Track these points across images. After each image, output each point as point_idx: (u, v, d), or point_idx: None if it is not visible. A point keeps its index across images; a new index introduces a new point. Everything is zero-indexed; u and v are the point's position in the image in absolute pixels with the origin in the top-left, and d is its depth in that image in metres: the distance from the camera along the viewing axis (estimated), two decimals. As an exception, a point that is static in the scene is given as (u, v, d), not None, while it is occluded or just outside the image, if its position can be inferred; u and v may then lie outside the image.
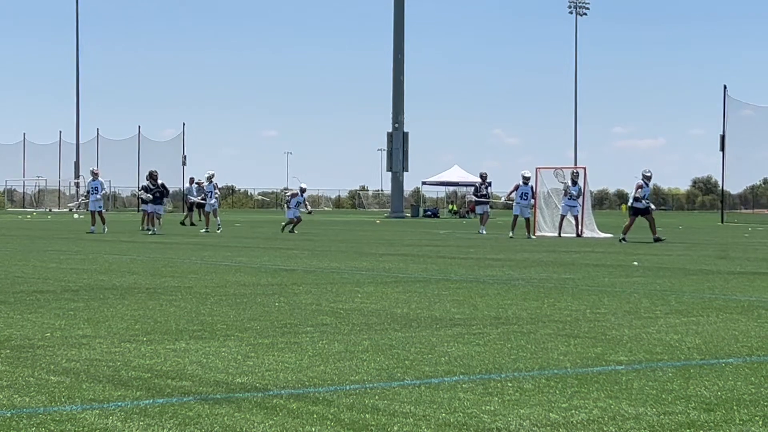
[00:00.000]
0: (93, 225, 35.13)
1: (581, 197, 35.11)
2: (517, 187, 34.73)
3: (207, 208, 37.82)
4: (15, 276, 15.51)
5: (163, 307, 11.40)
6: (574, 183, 34.95)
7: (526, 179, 34.15)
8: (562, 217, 35.33)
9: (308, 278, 15.62)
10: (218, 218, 37.46)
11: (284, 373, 7.22)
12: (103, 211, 36.39)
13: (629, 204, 31.42)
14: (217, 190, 38.23)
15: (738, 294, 13.54)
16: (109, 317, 10.39)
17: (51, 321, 10.06)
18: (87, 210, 39.70)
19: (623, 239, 29.56)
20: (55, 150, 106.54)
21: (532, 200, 34.36)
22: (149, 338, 8.90)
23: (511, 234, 32.97)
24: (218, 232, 35.37)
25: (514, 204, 34.50)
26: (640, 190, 30.33)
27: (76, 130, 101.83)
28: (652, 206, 30.77)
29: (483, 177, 39.42)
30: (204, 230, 36.34)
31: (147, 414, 5.92)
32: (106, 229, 34.80)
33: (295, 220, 37.09)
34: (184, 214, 46.75)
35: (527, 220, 33.77)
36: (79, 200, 46.72)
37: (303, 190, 38.19)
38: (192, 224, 43.58)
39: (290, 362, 7.67)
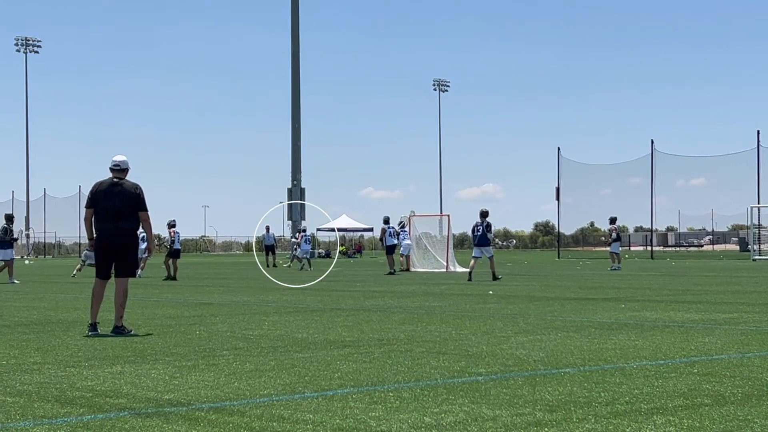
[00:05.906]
0: (10, 276, 26.99)
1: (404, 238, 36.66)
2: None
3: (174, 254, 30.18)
4: (-26, 313, 15.01)
5: (101, 337, 11.15)
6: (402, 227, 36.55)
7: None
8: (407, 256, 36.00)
9: (223, 310, 15.43)
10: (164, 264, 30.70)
11: (204, 390, 7.11)
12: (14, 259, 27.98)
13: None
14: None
15: (573, 316, 13.75)
16: (56, 346, 10.13)
17: (6, 350, 9.77)
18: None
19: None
20: (8, 207, 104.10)
21: (306, 245, 39.89)
22: (90, 363, 8.70)
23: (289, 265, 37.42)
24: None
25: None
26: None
27: (26, 190, 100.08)
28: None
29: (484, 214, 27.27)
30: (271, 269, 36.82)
31: (89, 428, 5.77)
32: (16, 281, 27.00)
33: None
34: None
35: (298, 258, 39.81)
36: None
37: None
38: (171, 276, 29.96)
39: (209, 380, 7.56)
